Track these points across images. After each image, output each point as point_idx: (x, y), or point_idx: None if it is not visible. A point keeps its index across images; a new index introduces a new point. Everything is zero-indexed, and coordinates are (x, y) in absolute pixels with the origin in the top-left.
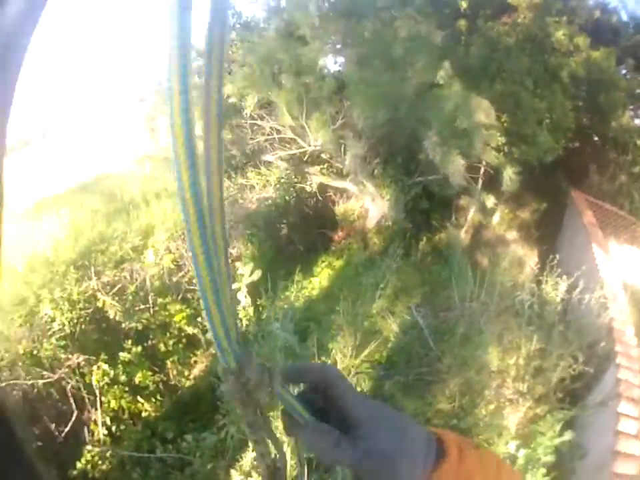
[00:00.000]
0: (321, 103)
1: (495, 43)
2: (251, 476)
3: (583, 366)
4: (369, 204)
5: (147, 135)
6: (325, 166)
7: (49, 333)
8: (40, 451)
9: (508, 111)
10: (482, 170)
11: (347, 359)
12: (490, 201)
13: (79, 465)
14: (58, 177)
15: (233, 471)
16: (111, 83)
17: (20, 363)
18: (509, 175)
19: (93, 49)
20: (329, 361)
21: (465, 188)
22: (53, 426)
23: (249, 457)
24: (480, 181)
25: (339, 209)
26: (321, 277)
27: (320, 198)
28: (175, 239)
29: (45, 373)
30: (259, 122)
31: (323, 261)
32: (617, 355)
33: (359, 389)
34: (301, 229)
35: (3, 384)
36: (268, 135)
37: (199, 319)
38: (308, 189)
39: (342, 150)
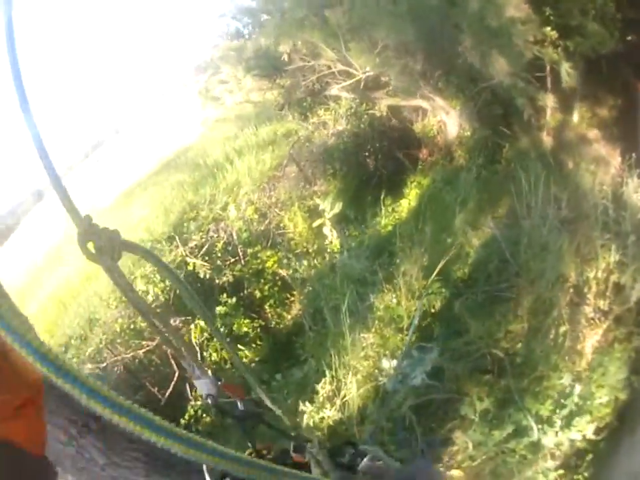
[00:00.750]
0: (354, 31)
1: None
2: (325, 407)
3: None
4: (444, 117)
5: (208, 105)
6: (390, 88)
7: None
8: None
9: (548, 3)
10: (547, 68)
11: (418, 280)
12: (550, 100)
13: (182, 421)
14: (139, 165)
15: (307, 403)
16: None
17: (119, 340)
18: (566, 69)
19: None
20: (401, 282)
21: (528, 89)
22: (156, 390)
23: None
24: (548, 79)
25: (417, 126)
26: (409, 198)
27: (395, 120)
28: (254, 190)
29: (144, 342)
30: (308, 62)
31: (412, 181)
32: None
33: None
34: (383, 154)
35: (104, 363)
36: (319, 72)
37: (291, 260)
38: (377, 113)
39: (395, 71)
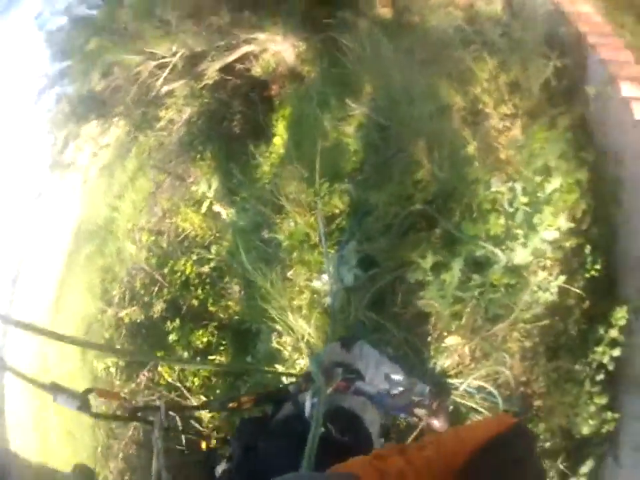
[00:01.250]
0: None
1: None
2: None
3: (558, 60)
4: (275, 48)
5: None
6: (213, 53)
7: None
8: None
9: None
10: None
11: (307, 193)
12: None
13: None
14: (50, 271)
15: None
16: None
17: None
18: None
19: None
20: (288, 205)
21: None
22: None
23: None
24: None
25: (256, 71)
26: (279, 134)
27: (232, 77)
28: (137, 217)
29: None
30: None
31: (276, 119)
32: (586, 35)
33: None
34: (238, 113)
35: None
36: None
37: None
38: (211, 82)
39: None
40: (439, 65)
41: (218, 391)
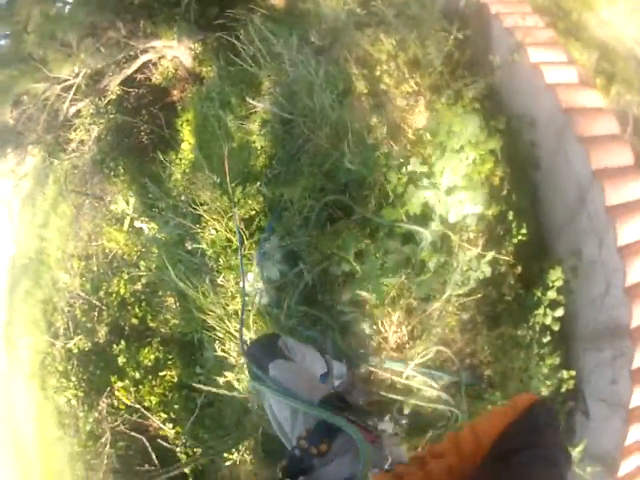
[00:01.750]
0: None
1: None
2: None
3: (459, 32)
4: (173, 53)
5: None
6: (112, 68)
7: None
8: None
9: None
10: None
11: (221, 199)
12: None
13: (187, 470)
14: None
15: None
16: None
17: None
18: None
19: None
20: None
21: None
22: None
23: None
24: None
25: (155, 79)
26: (186, 139)
27: (133, 89)
28: (65, 245)
29: (102, 440)
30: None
31: (181, 124)
32: (487, 5)
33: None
34: (145, 123)
35: None
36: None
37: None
38: (114, 96)
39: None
40: (335, 51)
41: (176, 406)
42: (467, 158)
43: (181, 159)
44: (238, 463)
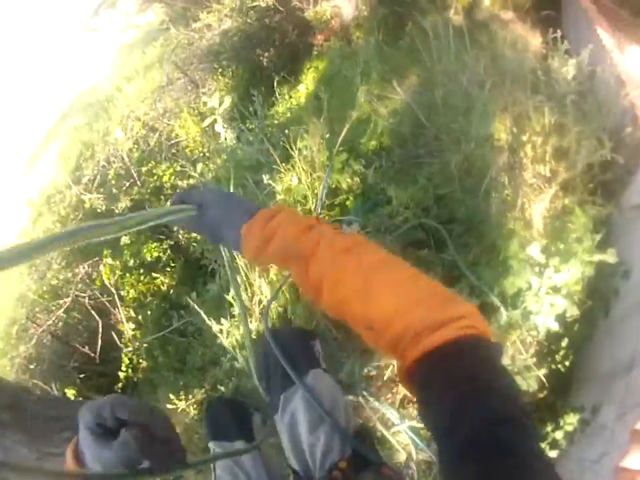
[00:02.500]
0: None
1: None
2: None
3: (610, 152)
4: (338, 1)
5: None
6: None
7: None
8: (87, 381)
9: None
10: None
11: (321, 153)
12: None
13: (121, 374)
14: (36, 126)
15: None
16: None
17: (37, 309)
18: None
19: None
20: (300, 158)
21: None
22: (87, 349)
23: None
24: None
25: (309, 14)
26: (306, 82)
27: (283, 10)
28: (139, 107)
29: (59, 302)
30: None
31: (308, 68)
32: None
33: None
34: (275, 46)
35: (33, 340)
36: None
37: (189, 170)
38: (263, 4)
39: None
40: (499, 92)
41: (149, 313)
42: (569, 272)
43: (290, 97)
44: (178, 410)
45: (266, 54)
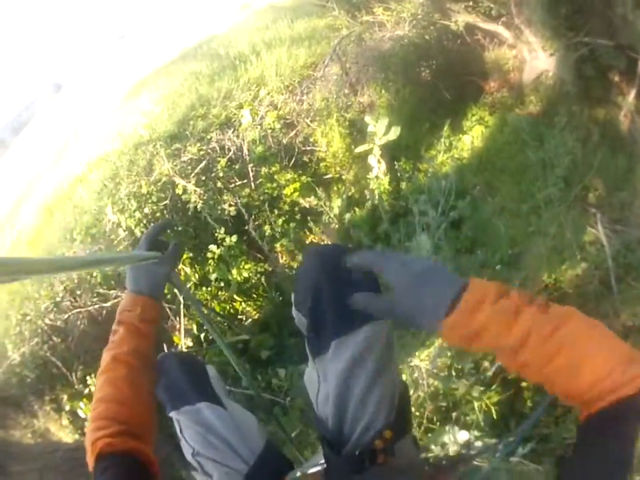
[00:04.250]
0: None
1: None
2: None
3: None
4: (525, 55)
5: None
6: (470, 3)
7: (115, 243)
8: None
9: None
10: None
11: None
12: None
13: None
14: (158, 53)
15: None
16: None
17: (78, 292)
18: None
19: None
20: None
21: (631, 64)
22: None
23: None
24: None
25: (489, 55)
26: (472, 135)
27: (467, 40)
28: (281, 90)
29: (112, 292)
30: None
31: (473, 114)
32: None
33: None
34: (446, 74)
35: (67, 314)
36: None
37: (319, 189)
38: (453, 27)
39: None
40: None
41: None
42: None
43: (452, 145)
44: None
45: (434, 80)
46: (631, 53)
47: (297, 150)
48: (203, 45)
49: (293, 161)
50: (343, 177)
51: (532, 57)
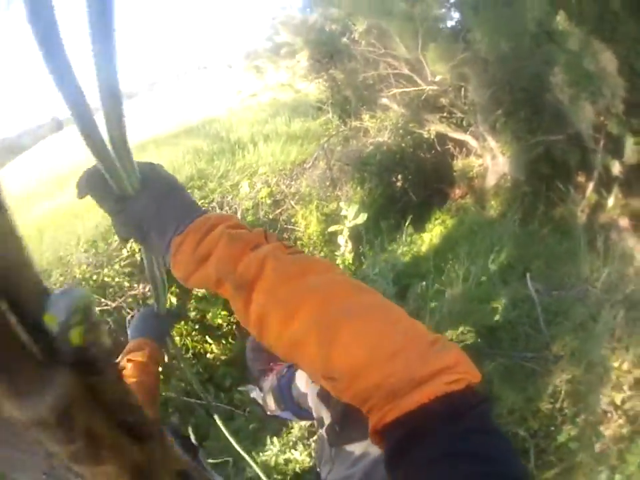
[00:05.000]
0: (439, 33)
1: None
2: (295, 449)
3: None
4: (488, 162)
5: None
6: (445, 114)
7: (116, 260)
8: None
9: (624, 76)
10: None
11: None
12: (615, 168)
13: None
14: (161, 123)
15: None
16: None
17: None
18: (630, 145)
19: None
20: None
21: (585, 156)
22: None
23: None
24: (600, 148)
25: (457, 164)
26: (432, 234)
27: (438, 149)
28: (275, 173)
29: (102, 300)
30: (374, 51)
31: (437, 218)
32: None
33: None
34: (417, 180)
35: None
36: (382, 69)
37: None
38: (426, 135)
39: (462, 94)
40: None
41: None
42: None
43: (412, 241)
44: None
45: (404, 185)
46: (583, 143)
47: (279, 226)
48: (205, 124)
49: (276, 232)
50: (315, 254)
51: (493, 163)
